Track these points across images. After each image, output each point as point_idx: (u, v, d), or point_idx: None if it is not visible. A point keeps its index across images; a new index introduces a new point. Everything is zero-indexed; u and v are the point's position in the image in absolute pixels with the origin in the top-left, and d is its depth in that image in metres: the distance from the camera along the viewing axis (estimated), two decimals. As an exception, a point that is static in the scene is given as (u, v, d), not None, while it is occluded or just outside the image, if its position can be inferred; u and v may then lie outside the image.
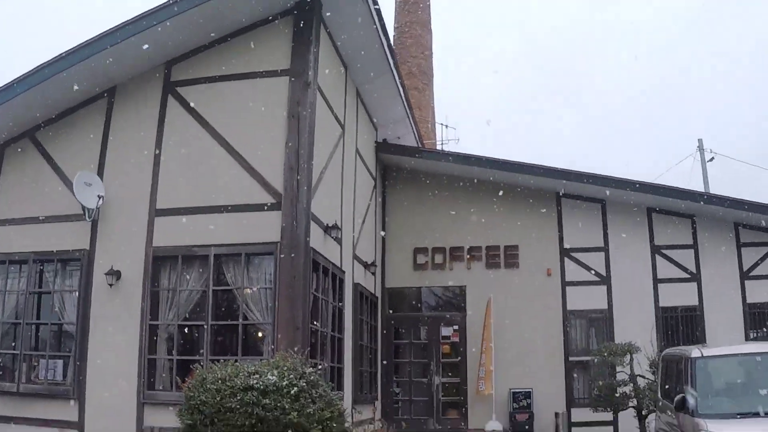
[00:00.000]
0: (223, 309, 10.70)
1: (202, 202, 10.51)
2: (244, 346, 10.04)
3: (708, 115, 54.99)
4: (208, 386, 7.01)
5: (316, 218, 10.63)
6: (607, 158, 49.31)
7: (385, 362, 16.26)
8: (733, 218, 16.10)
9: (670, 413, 9.70)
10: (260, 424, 6.71)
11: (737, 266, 15.93)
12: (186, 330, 10.77)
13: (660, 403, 11.01)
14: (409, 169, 16.84)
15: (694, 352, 8.80)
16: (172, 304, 10.50)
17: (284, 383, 6.82)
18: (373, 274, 15.50)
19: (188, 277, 10.53)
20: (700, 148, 29.50)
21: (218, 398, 6.82)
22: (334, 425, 7.16)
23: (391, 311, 16.84)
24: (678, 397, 8.70)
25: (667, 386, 10.52)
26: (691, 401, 8.33)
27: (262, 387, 6.85)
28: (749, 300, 15.79)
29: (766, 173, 47.21)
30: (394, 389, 16.54)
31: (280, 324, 9.64)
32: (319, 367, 7.64)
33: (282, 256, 9.77)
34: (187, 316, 10.50)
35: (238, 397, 6.77)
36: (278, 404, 6.74)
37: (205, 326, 10.16)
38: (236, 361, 7.79)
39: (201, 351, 10.15)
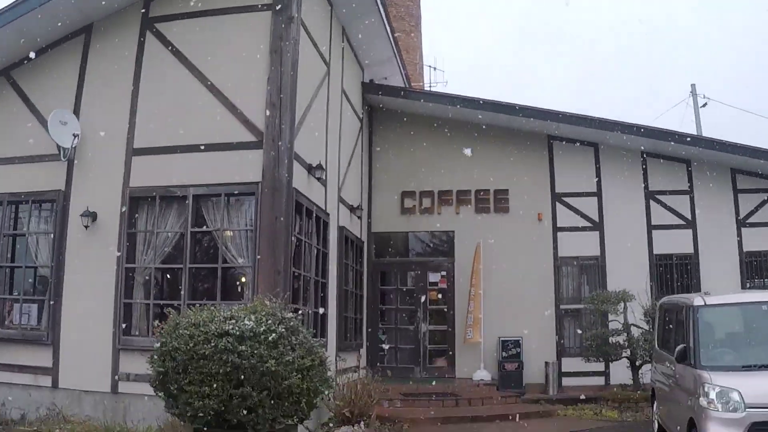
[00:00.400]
0: (202, 252, 10.42)
1: (180, 140, 10.08)
2: (223, 291, 9.65)
3: (701, 63, 54.75)
4: (180, 332, 6.46)
5: (300, 158, 10.19)
6: (597, 106, 48.98)
7: (370, 309, 15.91)
8: (730, 164, 15.80)
9: (669, 364, 9.36)
10: (236, 372, 6.16)
11: (734, 213, 15.67)
12: (164, 274, 10.39)
13: (656, 354, 10.75)
14: (396, 110, 16.32)
15: (697, 300, 8.35)
16: (150, 246, 10.16)
17: (262, 329, 6.32)
18: (359, 217, 15.13)
19: (166, 218, 10.15)
20: (693, 94, 28.97)
21: (191, 344, 6.30)
22: (315, 374, 6.79)
23: (377, 257, 16.50)
24: (679, 347, 8.36)
25: (664, 336, 10.22)
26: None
27: (238, 333, 6.35)
28: (746, 248, 15.56)
29: (760, 120, 46.91)
30: (380, 337, 16.30)
31: (261, 268, 9.25)
32: (300, 312, 7.21)
33: (263, 196, 9.37)
34: (165, 259, 10.14)
35: (213, 344, 6.28)
36: (255, 351, 6.25)
37: (183, 270, 9.78)
38: (214, 306, 7.37)
39: (179, 296, 9.74)
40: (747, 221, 15.42)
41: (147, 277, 9.97)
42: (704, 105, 28.10)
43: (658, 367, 10.08)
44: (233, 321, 6.54)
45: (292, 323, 6.78)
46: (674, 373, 8.79)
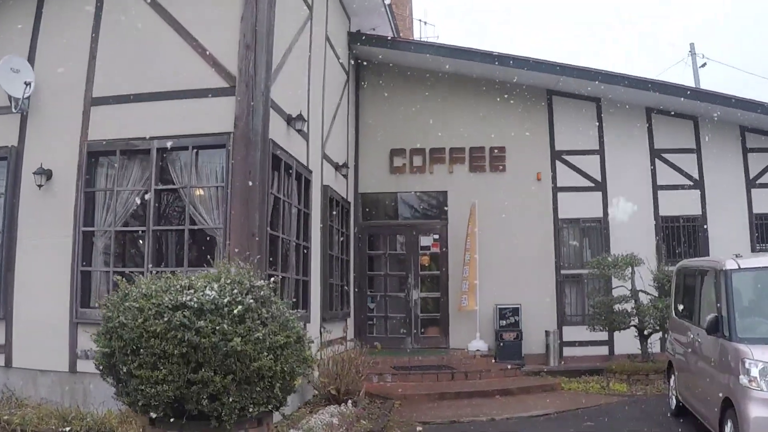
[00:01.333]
0: (169, 213, 9.40)
1: (144, 88, 8.97)
2: (192, 257, 8.62)
3: (700, 22, 53.76)
4: (128, 304, 5.32)
5: (277, 107, 9.10)
6: (595, 63, 47.88)
7: (358, 275, 14.92)
8: (740, 121, 14.91)
9: (692, 335, 8.44)
10: (194, 352, 5.24)
11: (743, 173, 14.83)
12: (126, 237, 9.29)
13: (674, 323, 9.80)
14: (385, 64, 15.17)
15: (729, 263, 7.35)
16: (110, 207, 9.00)
17: (225, 300, 5.35)
18: (345, 176, 14.07)
19: (128, 175, 8.98)
20: (692, 53, 28.10)
21: (140, 320, 5.16)
22: (291, 353, 5.82)
23: (365, 219, 15.47)
24: (710, 318, 7.31)
25: (685, 304, 9.25)
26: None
27: (196, 305, 5.42)
28: (755, 210, 14.76)
29: (759, 81, 46.09)
30: (368, 305, 15.31)
31: (233, 229, 8.14)
32: (273, 279, 6.18)
33: (236, 148, 8.21)
34: (127, 221, 9.03)
35: (166, 319, 5.38)
36: (217, 327, 5.31)
37: (147, 233, 8.68)
38: (174, 273, 6.37)
39: (142, 262, 8.67)
40: (757, 182, 14.58)
41: (107, 242, 8.84)
42: (703, 65, 27.21)
43: (678, 337, 9.10)
44: (191, 291, 5.57)
45: (263, 293, 5.77)
46: (701, 345, 7.87)
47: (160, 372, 5.24)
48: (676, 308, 9.51)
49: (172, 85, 9.09)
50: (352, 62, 15.31)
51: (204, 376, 5.22)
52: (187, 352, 5.18)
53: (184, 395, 5.38)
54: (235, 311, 5.33)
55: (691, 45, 28.07)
